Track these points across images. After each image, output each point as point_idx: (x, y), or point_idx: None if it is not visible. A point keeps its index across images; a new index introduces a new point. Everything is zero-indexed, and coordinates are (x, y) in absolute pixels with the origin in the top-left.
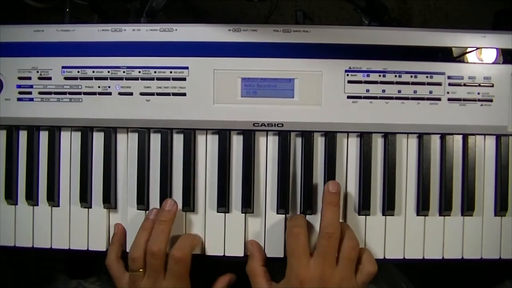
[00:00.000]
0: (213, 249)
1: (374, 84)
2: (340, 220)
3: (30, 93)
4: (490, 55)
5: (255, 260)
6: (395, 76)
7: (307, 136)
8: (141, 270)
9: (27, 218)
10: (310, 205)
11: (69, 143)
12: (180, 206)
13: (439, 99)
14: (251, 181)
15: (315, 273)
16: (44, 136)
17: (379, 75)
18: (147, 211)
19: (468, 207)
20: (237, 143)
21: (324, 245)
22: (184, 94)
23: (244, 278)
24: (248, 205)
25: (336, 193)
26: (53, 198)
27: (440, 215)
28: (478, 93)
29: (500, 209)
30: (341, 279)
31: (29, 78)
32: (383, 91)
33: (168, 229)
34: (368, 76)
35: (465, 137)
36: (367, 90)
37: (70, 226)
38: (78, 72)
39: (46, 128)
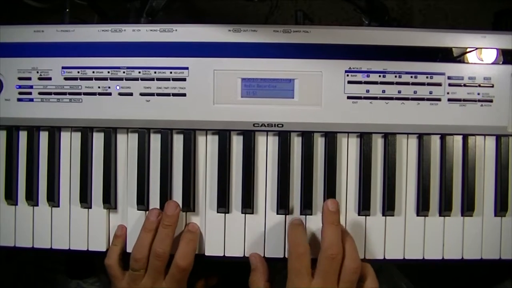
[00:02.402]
0: (213, 249)
1: (374, 84)
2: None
3: (30, 93)
4: (490, 55)
5: (259, 274)
6: (395, 76)
7: (307, 136)
8: (142, 270)
9: (27, 218)
10: (310, 206)
11: (69, 143)
12: (180, 206)
13: (439, 100)
14: (251, 181)
15: None
16: (44, 137)
17: (379, 76)
18: (147, 212)
19: (468, 207)
20: (237, 143)
21: (326, 266)
22: (184, 95)
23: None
24: (248, 205)
25: (336, 212)
26: (53, 199)
27: (440, 215)
28: (478, 94)
29: (500, 209)
30: None
31: (29, 79)
32: (383, 91)
33: (173, 233)
34: (368, 76)
35: (465, 137)
36: (367, 91)
37: (70, 226)
38: (78, 72)
39: (46, 129)
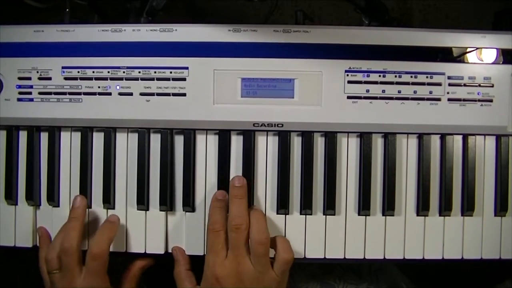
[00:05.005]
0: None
1: (374, 84)
2: (338, 221)
3: (30, 93)
4: (490, 55)
5: (180, 265)
6: (395, 76)
7: (307, 136)
8: (56, 270)
9: (27, 218)
10: (310, 206)
11: (69, 143)
12: (180, 206)
13: (439, 99)
14: (251, 181)
15: (230, 269)
16: (44, 136)
17: (379, 75)
18: (147, 211)
19: (468, 207)
20: (237, 143)
21: (234, 238)
22: (184, 94)
23: None
24: (248, 205)
25: (242, 187)
26: (53, 198)
27: (440, 215)
28: (478, 93)
29: (500, 209)
30: (256, 272)
31: (29, 78)
32: (383, 91)
33: (78, 226)
34: (368, 76)
35: (465, 137)
36: (367, 90)
37: None
38: (78, 72)
39: (46, 128)
